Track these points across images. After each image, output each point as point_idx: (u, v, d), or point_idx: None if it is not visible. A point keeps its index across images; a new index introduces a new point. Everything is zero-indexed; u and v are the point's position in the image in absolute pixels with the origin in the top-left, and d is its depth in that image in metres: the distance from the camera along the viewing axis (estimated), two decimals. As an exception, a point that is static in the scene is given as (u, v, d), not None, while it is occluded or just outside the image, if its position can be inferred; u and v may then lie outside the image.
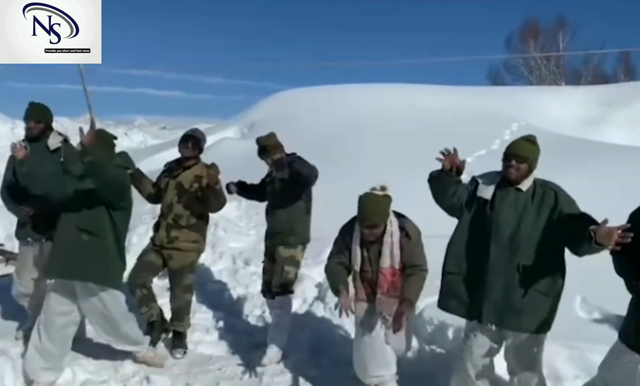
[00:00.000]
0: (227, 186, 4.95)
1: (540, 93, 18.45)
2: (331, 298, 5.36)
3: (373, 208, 3.63)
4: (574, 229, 3.04)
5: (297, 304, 5.53)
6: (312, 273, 6.08)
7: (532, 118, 14.03)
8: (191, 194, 4.62)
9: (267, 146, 4.64)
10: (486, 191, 3.35)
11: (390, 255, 3.71)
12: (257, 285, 6.02)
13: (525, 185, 3.29)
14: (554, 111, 15.35)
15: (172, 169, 4.79)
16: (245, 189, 5.09)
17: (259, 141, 4.70)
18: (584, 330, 4.29)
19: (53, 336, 3.91)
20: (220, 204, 4.73)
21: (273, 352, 4.50)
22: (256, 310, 5.53)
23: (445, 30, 59.77)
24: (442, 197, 3.47)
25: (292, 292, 4.72)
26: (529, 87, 26.09)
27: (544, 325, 3.26)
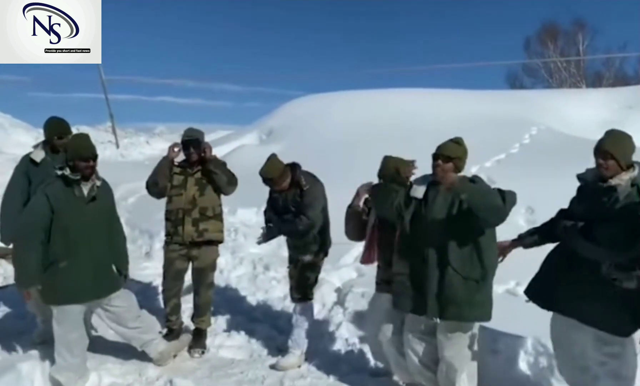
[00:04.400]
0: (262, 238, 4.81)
1: (560, 96, 18.28)
2: (350, 303, 5.41)
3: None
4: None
5: (317, 309, 5.55)
6: (331, 278, 6.12)
7: (552, 121, 13.92)
8: (210, 187, 4.77)
9: (272, 179, 4.53)
10: (418, 191, 3.57)
11: None
12: (277, 290, 6.09)
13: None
14: (574, 114, 15.19)
15: (184, 167, 4.82)
16: (272, 233, 4.79)
17: (261, 174, 4.55)
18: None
19: (74, 350, 4.04)
20: (229, 177, 4.78)
21: (294, 356, 4.55)
22: (276, 315, 5.59)
23: (464, 33, 59.58)
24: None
25: (312, 298, 4.75)
26: (549, 90, 25.80)
27: (483, 313, 3.46)
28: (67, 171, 3.90)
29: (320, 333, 5.04)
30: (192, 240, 4.72)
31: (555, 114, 14.88)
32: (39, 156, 4.62)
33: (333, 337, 5.03)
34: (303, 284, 4.65)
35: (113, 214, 4.31)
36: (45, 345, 4.38)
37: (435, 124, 12.11)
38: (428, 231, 3.48)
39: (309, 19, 66.16)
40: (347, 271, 6.35)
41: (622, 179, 3.01)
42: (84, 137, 4.08)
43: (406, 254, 3.61)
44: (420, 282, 3.51)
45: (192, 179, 4.77)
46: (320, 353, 4.74)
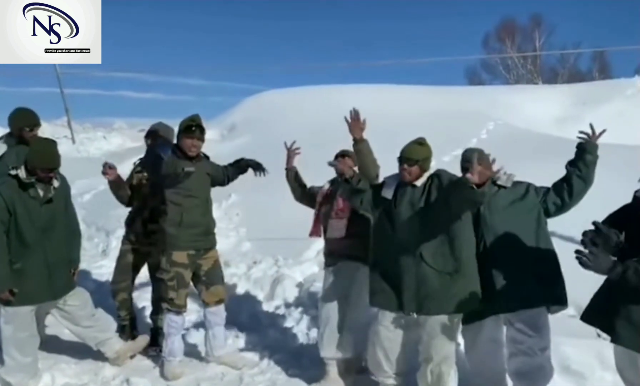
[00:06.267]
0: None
1: (516, 92, 18.63)
2: (312, 298, 5.40)
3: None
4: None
5: (277, 304, 5.55)
6: (293, 272, 6.10)
7: (508, 117, 14.17)
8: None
9: (204, 134, 4.29)
10: (388, 192, 3.63)
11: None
12: (237, 287, 6.04)
13: (420, 181, 3.56)
14: (531, 110, 15.51)
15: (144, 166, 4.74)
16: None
17: (197, 121, 4.23)
18: (558, 324, 4.36)
19: (24, 350, 3.92)
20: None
21: (230, 351, 4.50)
22: (236, 311, 5.53)
23: (422, 29, 60.17)
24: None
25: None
26: (506, 86, 26.33)
27: (460, 305, 3.46)
28: (22, 173, 3.77)
29: (281, 329, 5.01)
30: (137, 238, 4.68)
31: (512, 110, 15.17)
32: (1, 150, 4.46)
33: (294, 332, 5.01)
34: (222, 282, 4.52)
35: (70, 213, 4.22)
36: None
37: (394, 120, 12.21)
38: (399, 229, 3.52)
39: (274, 12, 65.60)
40: (309, 266, 6.34)
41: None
42: (51, 146, 3.95)
43: (380, 251, 3.64)
44: (395, 279, 3.53)
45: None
46: (281, 348, 4.72)
